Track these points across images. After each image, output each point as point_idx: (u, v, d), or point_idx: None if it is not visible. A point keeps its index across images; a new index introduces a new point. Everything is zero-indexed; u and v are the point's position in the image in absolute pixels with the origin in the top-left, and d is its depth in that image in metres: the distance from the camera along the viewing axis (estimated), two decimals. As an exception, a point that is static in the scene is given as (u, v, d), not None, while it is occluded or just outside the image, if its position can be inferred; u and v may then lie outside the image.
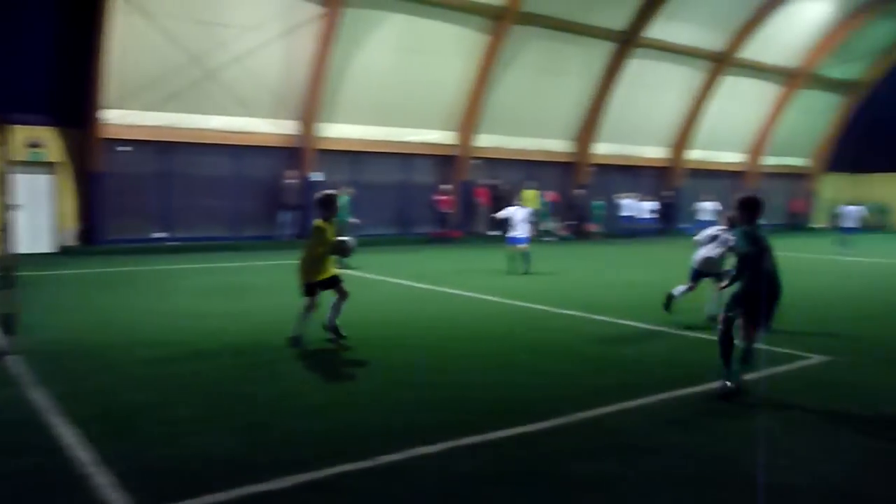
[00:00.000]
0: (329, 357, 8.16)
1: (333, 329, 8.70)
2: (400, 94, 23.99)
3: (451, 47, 24.30)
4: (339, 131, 23.49)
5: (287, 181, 22.39)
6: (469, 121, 25.44)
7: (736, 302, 6.67)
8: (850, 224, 23.81)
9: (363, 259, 18.83)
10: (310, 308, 8.52)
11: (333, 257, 9.01)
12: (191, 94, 20.78)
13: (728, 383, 6.64)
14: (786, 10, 30.58)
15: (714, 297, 10.04)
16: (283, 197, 22.47)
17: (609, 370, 7.70)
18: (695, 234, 11.12)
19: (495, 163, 27.40)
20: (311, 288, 8.61)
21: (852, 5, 32.43)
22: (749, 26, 30.46)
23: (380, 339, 9.05)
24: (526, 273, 15.82)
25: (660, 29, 27.85)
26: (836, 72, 36.11)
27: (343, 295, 8.75)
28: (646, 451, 5.29)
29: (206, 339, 8.88)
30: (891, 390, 7.03)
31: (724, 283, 7.09)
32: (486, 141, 26.51)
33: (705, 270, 10.37)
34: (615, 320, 10.47)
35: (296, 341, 8.41)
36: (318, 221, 8.67)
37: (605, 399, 6.44)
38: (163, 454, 5.09)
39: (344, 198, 17.33)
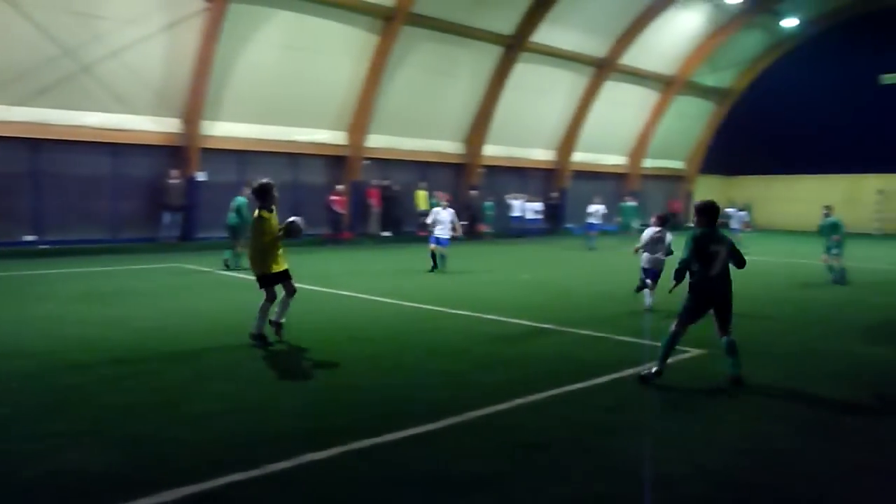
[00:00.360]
0: (216, 363, 7.88)
1: (276, 325, 8.70)
2: (288, 93, 23.50)
3: (340, 46, 24.03)
4: (224, 130, 22.76)
5: (170, 181, 21.49)
6: (359, 121, 25.25)
7: (688, 313, 7.36)
8: (734, 226, 25.06)
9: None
10: (269, 301, 8.68)
11: (283, 249, 8.99)
12: (64, 88, 19.57)
13: (654, 370, 7.22)
14: (662, 20, 32.05)
15: (649, 293, 11.47)
16: (166, 197, 21.55)
17: (499, 368, 7.81)
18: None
19: (387, 163, 27.34)
20: (266, 280, 8.72)
21: (722, 17, 34.38)
22: (629, 34, 31.74)
23: (276, 345, 8.82)
24: (442, 272, 16.41)
25: (545, 34, 28.58)
26: (709, 79, 38.22)
27: (291, 291, 8.82)
28: (536, 447, 5.40)
29: (83, 348, 8.38)
30: (762, 380, 7.47)
31: (672, 286, 7.71)
32: (377, 141, 26.40)
33: (655, 269, 11.51)
34: (505, 319, 10.65)
35: (259, 338, 8.48)
36: (258, 211, 8.76)
37: (496, 397, 6.53)
38: (34, 472, 4.76)
39: (242, 199, 17.15)
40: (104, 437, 5.46)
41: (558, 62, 30.58)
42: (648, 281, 11.50)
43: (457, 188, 29.65)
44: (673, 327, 7.37)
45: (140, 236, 21.57)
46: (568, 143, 33.26)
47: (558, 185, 33.31)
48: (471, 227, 28.90)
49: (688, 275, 7.31)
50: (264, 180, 9.21)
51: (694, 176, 41.56)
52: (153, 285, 13.89)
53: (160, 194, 21.60)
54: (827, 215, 16.45)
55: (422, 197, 27.29)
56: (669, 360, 7.44)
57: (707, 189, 42.11)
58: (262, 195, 8.86)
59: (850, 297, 13.97)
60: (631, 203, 29.79)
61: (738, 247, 7.48)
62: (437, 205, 17.61)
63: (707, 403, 6.69)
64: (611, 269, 18.43)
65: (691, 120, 39.72)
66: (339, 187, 24.65)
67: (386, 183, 26.69)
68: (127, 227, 21.56)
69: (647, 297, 11.50)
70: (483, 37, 27.17)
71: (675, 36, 34.00)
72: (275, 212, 8.93)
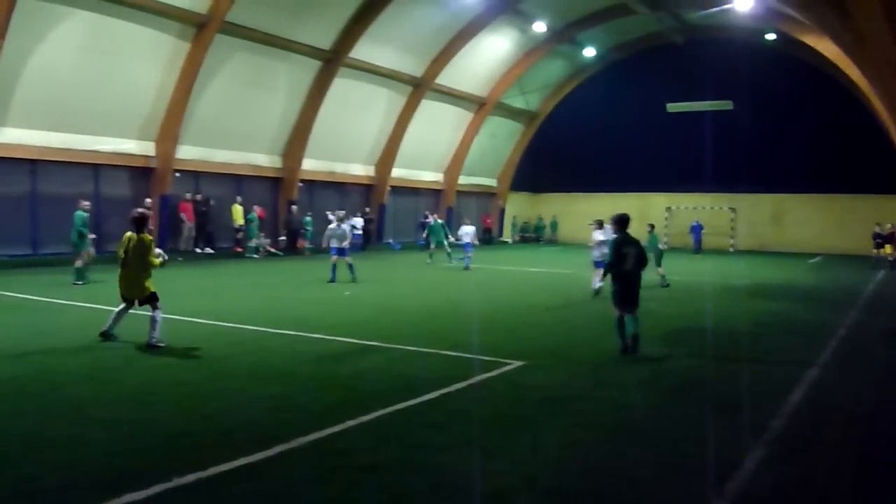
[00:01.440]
0: (6, 398, 7.05)
1: (152, 344, 9.44)
2: (88, 99, 21.72)
3: (147, 52, 22.61)
4: (12, 136, 20.61)
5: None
6: (169, 131, 23.86)
7: (616, 297, 9.99)
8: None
9: (44, 280, 16.77)
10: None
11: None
12: None
13: (623, 341, 9.84)
14: (475, 43, 33.32)
15: (597, 278, 14.40)
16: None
17: (328, 389, 7.67)
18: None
19: (199, 176, 26.10)
20: (143, 301, 9.74)
21: (529, 43, 36.36)
22: (443, 55, 32.68)
23: (74, 374, 8.07)
24: (354, 281, 17.57)
25: (364, 50, 28.71)
26: (518, 101, 40.28)
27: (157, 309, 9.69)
28: (369, 469, 5.34)
29: None
30: (577, 389, 7.91)
31: (602, 275, 10.68)
32: (189, 153, 25.10)
33: (601, 261, 14.05)
34: (330, 337, 10.50)
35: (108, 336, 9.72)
36: (141, 237, 9.65)
37: (327, 420, 6.39)
38: None
39: (81, 213, 17.33)
40: None
41: (377, 79, 30.84)
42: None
43: (274, 202, 28.95)
44: (615, 313, 9.99)
45: None
46: (386, 158, 33.58)
47: (377, 201, 33.51)
48: (290, 243, 28.32)
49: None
50: (142, 210, 10.21)
51: (505, 192, 43.51)
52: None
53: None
54: (650, 232, 19.23)
55: (238, 211, 26.34)
56: (493, 373, 7.67)
57: (516, 205, 44.37)
58: (145, 222, 9.81)
59: (644, 307, 15.17)
60: (438, 221, 29.30)
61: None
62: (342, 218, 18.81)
63: (530, 414, 6.96)
64: (431, 284, 18.77)
65: (502, 139, 41.62)
66: (148, 201, 23.10)
67: (199, 197, 25.45)
68: None
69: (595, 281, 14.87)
70: (301, 50, 26.79)
71: (487, 59, 35.48)
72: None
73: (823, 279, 23.12)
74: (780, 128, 36.33)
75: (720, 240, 38.68)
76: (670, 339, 11.33)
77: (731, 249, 38.29)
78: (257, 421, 6.44)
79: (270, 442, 5.77)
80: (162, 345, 9.44)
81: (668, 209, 40.73)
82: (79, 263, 16.94)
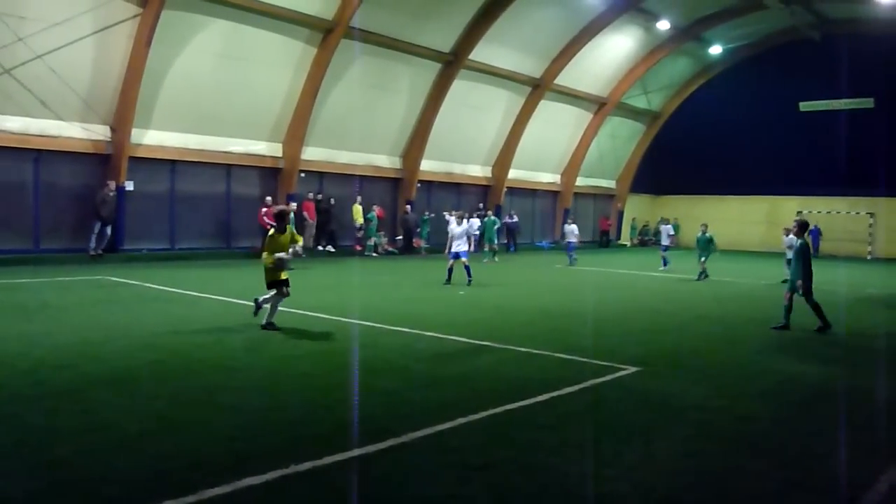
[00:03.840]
0: (141, 381, 7.58)
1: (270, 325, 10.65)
2: (222, 103, 23.05)
3: (277, 57, 23.72)
4: (155, 138, 22.14)
5: (104, 192, 20.63)
6: (295, 133, 24.92)
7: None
8: (665, 242, 25.28)
9: (182, 274, 17.87)
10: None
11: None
12: (-17, 91, 18.75)
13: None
14: (595, 43, 32.78)
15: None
16: (98, 208, 20.63)
17: (440, 387, 7.76)
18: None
19: (323, 176, 27.08)
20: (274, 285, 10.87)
21: (653, 42, 35.45)
22: (563, 56, 32.36)
23: (206, 362, 8.57)
24: (469, 284, 17.26)
25: (483, 52, 28.89)
26: (640, 101, 39.30)
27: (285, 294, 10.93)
28: (479, 467, 5.37)
29: (0, 366, 7.96)
30: (694, 397, 7.64)
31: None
32: (314, 154, 26.12)
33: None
34: (444, 336, 10.62)
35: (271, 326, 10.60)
36: (273, 231, 10.96)
37: (439, 417, 6.48)
38: (-52, 501, 4.47)
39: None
40: (27, 462, 5.18)
41: (496, 80, 30.94)
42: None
43: (393, 202, 29.60)
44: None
45: (65, 247, 20.73)
46: (504, 159, 33.62)
47: (494, 201, 33.60)
48: (406, 242, 28.88)
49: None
50: (282, 207, 12.03)
51: (624, 194, 42.56)
52: (77, 299, 13.36)
53: (86, 203, 20.78)
54: (703, 232, 21.10)
55: (358, 211, 27.11)
56: (607, 377, 7.53)
57: (636, 207, 43.28)
58: (280, 219, 11.06)
59: (771, 315, 14.45)
60: (492, 217, 28.44)
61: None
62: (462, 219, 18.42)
63: (644, 421, 6.78)
64: (546, 286, 18.62)
65: (622, 140, 40.72)
66: (269, 199, 24.16)
67: (321, 196, 26.40)
68: (52, 237, 20.69)
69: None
70: (422, 53, 27.27)
71: (607, 59, 34.84)
72: (287, 231, 11.07)
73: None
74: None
75: (856, 246, 36.25)
76: (799, 350, 10.74)
77: (869, 257, 35.81)
78: (372, 414, 6.61)
79: (383, 435, 5.91)
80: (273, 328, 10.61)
81: (799, 213, 38.51)
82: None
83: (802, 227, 12.45)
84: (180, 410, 6.59)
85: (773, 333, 12.12)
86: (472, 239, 17.80)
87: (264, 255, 10.84)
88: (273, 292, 10.82)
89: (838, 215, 37.15)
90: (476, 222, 30.79)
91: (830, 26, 35.12)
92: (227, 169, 24.33)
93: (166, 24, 20.37)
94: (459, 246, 17.59)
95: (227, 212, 24.63)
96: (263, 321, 10.64)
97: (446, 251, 18.15)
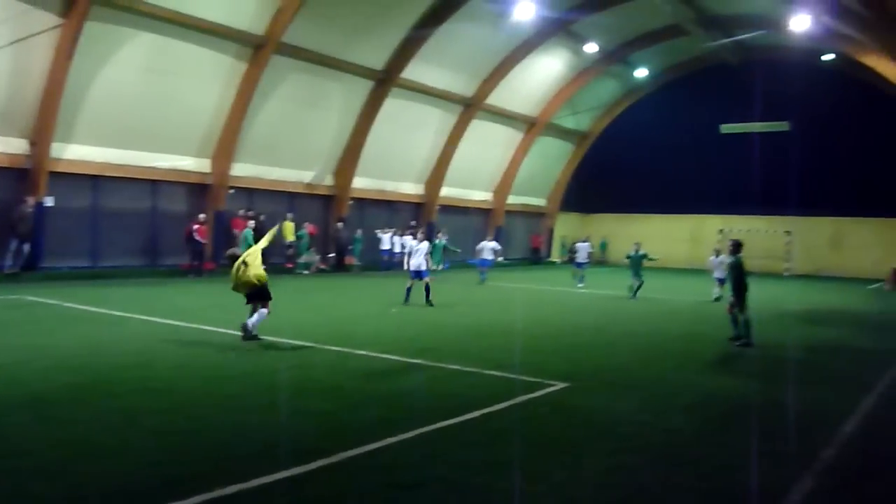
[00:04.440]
0: (62, 406, 7.29)
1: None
2: (148, 117, 22.49)
3: (206, 72, 23.32)
4: (76, 153, 21.43)
5: (21, 207, 19.79)
6: (225, 149, 24.51)
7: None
8: (582, 259, 25.78)
9: (105, 293, 17.29)
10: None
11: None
12: None
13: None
14: (526, 64, 33.41)
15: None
16: (14, 224, 19.77)
17: (371, 405, 7.73)
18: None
19: (253, 193, 26.68)
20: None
21: (580, 64, 36.33)
22: (494, 76, 32.86)
23: (128, 384, 8.30)
24: (428, 304, 16.88)
25: (416, 71, 29.08)
26: (569, 122, 40.18)
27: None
28: (409, 486, 5.37)
29: None
30: (620, 412, 7.82)
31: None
32: (243, 170, 25.74)
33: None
34: (375, 354, 10.58)
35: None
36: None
37: (369, 436, 6.45)
38: None
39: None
40: (-67, 493, 4.92)
41: (428, 99, 31.16)
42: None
43: (325, 220, 29.39)
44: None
45: (-25, 265, 19.82)
46: (436, 177, 33.83)
47: (427, 219, 33.72)
48: (339, 260, 28.67)
49: None
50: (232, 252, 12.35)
51: (555, 212, 43.33)
52: (-9, 319, 12.77)
53: (2, 219, 19.90)
54: (637, 250, 21.66)
55: (289, 228, 26.79)
56: (537, 393, 7.63)
57: (566, 225, 44.11)
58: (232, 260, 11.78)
59: (694, 330, 14.93)
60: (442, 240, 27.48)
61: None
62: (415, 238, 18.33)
63: (572, 437, 6.90)
64: (478, 303, 18.75)
65: (552, 159, 41.52)
66: (202, 216, 23.72)
67: (252, 212, 25.98)
68: (-39, 254, 19.75)
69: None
70: (354, 70, 27.27)
71: (537, 79, 35.53)
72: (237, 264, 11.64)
73: (884, 306, 22.39)
74: (837, 149, 35.42)
75: (774, 263, 37.75)
76: (722, 364, 11.12)
77: (786, 274, 37.35)
78: (301, 435, 6.53)
79: (313, 456, 5.85)
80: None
81: (721, 231, 39.91)
82: None
83: (736, 246, 13.24)
84: (101, 435, 6.36)
85: (695, 347, 12.50)
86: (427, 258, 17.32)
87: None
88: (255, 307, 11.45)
89: (757, 233, 38.64)
90: (409, 239, 30.94)
91: (748, 52, 36.71)
92: (153, 185, 23.72)
93: (90, 37, 19.81)
94: (421, 265, 17.21)
95: (152, 228, 24.00)
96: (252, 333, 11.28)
97: (406, 268, 17.70)
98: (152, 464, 5.63)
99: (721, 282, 19.87)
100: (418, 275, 17.23)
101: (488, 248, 25.51)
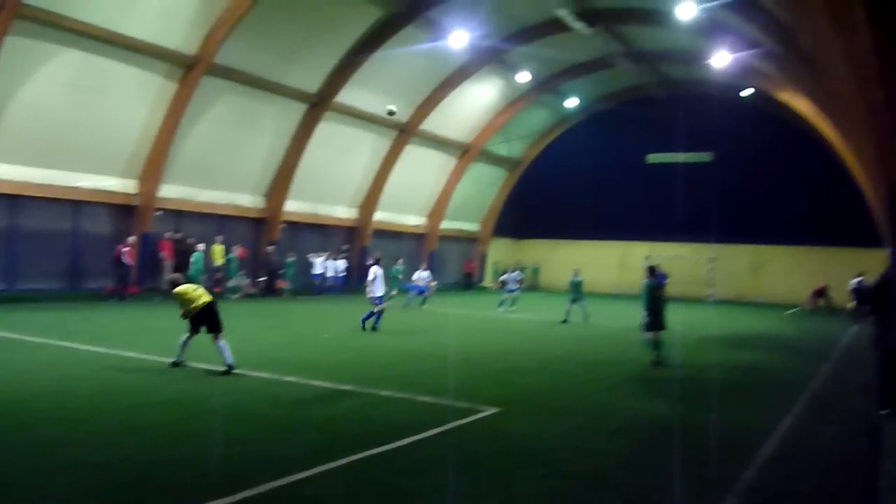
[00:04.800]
0: (-26, 437, 6.94)
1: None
2: (72, 136, 21.77)
3: (134, 91, 22.75)
4: (-6, 171, 20.59)
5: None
6: (153, 170, 23.90)
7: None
8: (512, 286, 26.11)
9: (22, 318, 16.55)
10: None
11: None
12: None
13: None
14: (460, 91, 33.83)
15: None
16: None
17: (300, 433, 7.61)
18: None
19: (182, 215, 26.06)
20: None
21: (513, 93, 36.99)
22: (429, 102, 33.14)
23: (43, 413, 7.95)
24: (374, 329, 17.16)
25: (350, 95, 29.07)
26: (502, 149, 40.77)
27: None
28: (339, 516, 5.28)
29: None
30: (550, 437, 7.90)
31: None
32: (172, 192, 25.14)
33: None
34: (305, 381, 10.42)
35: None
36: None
37: (297, 465, 6.34)
38: None
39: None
40: None
41: (362, 123, 31.16)
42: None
43: (256, 243, 28.93)
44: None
45: None
46: (370, 201, 33.76)
47: (360, 243, 33.56)
48: (269, 285, 28.20)
49: None
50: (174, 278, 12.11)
51: (487, 238, 43.73)
52: None
53: None
54: (576, 275, 22.33)
55: (218, 251, 26.26)
56: (469, 419, 7.64)
57: (498, 251, 44.56)
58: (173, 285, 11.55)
59: (623, 355, 15.23)
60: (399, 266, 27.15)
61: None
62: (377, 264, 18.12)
63: (502, 463, 6.93)
64: (410, 328, 18.71)
65: (485, 185, 41.99)
66: (131, 238, 23.03)
67: (180, 235, 25.40)
68: None
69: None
70: (288, 93, 27.08)
71: (471, 107, 36.00)
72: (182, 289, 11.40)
73: (800, 330, 23.33)
74: (757, 180, 36.98)
75: (699, 289, 38.97)
76: (648, 388, 11.36)
77: (710, 299, 38.56)
78: (228, 464, 6.36)
79: (239, 486, 5.71)
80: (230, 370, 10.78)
81: (648, 258, 40.97)
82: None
83: (650, 270, 14.45)
84: (9, 470, 6.06)
85: (624, 371, 12.76)
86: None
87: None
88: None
89: (682, 260, 39.83)
90: (342, 263, 30.76)
91: (674, 86, 38.11)
92: (76, 205, 22.91)
93: (12, 52, 19.11)
94: (378, 291, 17.36)
95: (74, 251, 23.16)
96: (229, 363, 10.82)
97: (370, 296, 17.56)
98: (62, 501, 5.39)
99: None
100: (378, 300, 17.37)
101: (423, 277, 25.87)
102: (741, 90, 33.95)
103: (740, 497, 6.13)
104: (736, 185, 36.30)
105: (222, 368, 10.75)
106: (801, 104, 25.94)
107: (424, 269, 26.89)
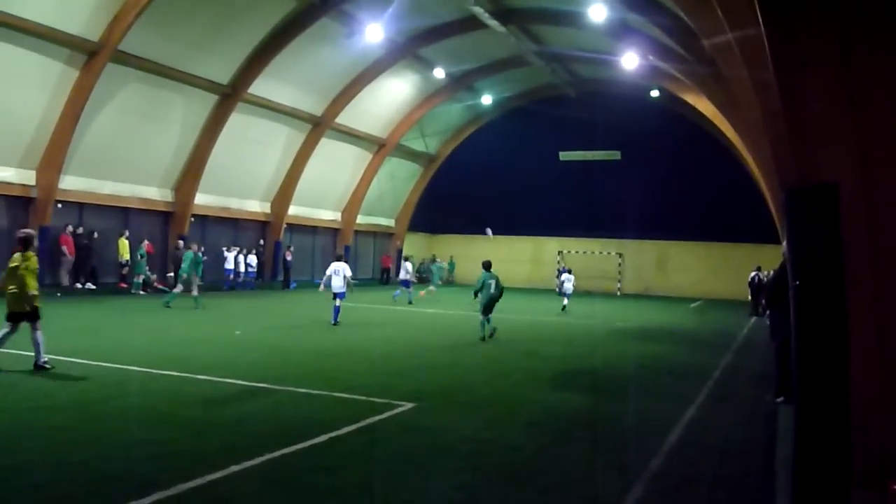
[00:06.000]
0: None
1: (41, 365, 10.09)
2: (-37, 123, 20.52)
3: (31, 78, 21.54)
4: None
5: None
6: (52, 160, 22.72)
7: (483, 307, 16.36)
8: (403, 276, 26.56)
9: None
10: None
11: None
12: None
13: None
14: (375, 86, 33.61)
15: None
16: None
17: (211, 433, 7.43)
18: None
19: (84, 207, 24.94)
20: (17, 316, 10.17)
21: (429, 88, 37.08)
22: (344, 95, 32.78)
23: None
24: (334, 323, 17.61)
25: (263, 87, 28.44)
26: (417, 144, 40.83)
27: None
28: (253, 516, 5.20)
29: None
30: (465, 431, 8.00)
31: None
32: (73, 184, 24.01)
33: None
34: (217, 379, 10.18)
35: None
36: (30, 254, 10.26)
37: (209, 465, 6.19)
38: None
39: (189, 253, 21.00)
40: None
41: (276, 116, 30.58)
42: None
43: (164, 237, 28.00)
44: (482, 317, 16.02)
45: None
46: (284, 196, 33.19)
47: (273, 238, 32.97)
48: (177, 279, 27.31)
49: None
50: (27, 231, 10.96)
51: (402, 233, 43.74)
52: None
53: None
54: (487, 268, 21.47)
55: (124, 246, 25.29)
56: (384, 415, 7.65)
57: (414, 245, 44.65)
58: (29, 242, 10.45)
59: (535, 348, 15.56)
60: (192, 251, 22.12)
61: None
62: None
63: (419, 457, 6.97)
64: (323, 324, 18.52)
65: (401, 180, 41.97)
66: (70, 228, 21.89)
67: (81, 230, 24.30)
68: None
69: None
70: (198, 83, 26.26)
71: (387, 101, 35.86)
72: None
73: (702, 323, 24.38)
74: (663, 178, 38.35)
75: (608, 283, 40.21)
76: (560, 381, 11.64)
77: (618, 293, 39.81)
78: (135, 467, 6.16)
79: (148, 489, 5.53)
80: (49, 367, 10.09)
81: (560, 253, 42.04)
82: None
83: (485, 265, 16.67)
84: None
85: (535, 365, 13.04)
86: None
87: (29, 281, 10.08)
88: (8, 328, 10.20)
89: (593, 255, 40.97)
90: (254, 259, 30.16)
91: (584, 84, 39.04)
92: (-33, 197, 21.61)
93: None
94: (342, 287, 17.94)
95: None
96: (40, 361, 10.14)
97: (323, 288, 18.39)
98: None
99: (566, 296, 25.37)
100: (338, 296, 18.00)
101: (409, 271, 26.68)
102: (650, 90, 35.13)
103: (648, 484, 6.37)
104: (644, 183, 37.55)
105: (120, 366, 10.37)
106: (704, 106, 27.02)
107: (409, 262, 27.26)
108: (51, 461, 6.30)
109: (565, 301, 25.61)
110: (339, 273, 17.98)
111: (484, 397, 10.00)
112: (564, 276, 27.17)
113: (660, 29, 21.51)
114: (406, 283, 26.38)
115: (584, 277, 39.57)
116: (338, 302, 18.05)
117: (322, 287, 18.64)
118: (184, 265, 21.32)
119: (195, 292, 20.62)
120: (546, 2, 27.42)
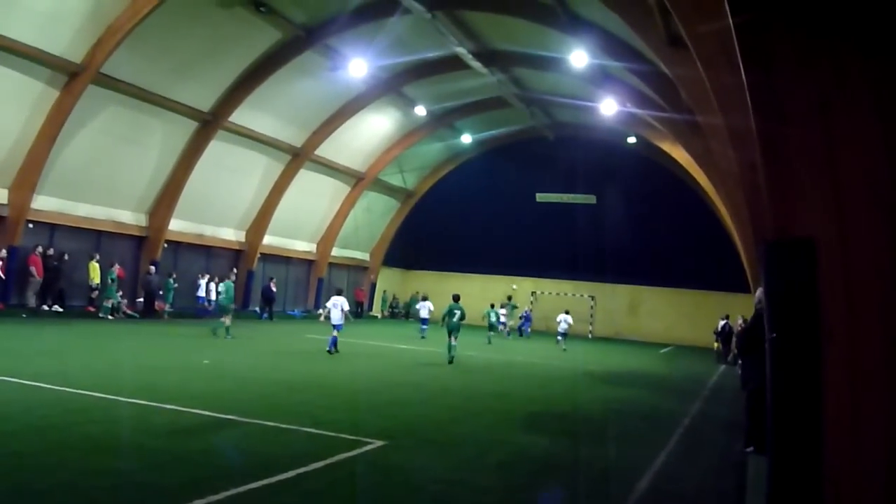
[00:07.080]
0: None
1: None
2: (-64, 138, 20.22)
3: (9, 95, 21.35)
4: None
5: None
6: (26, 179, 22.41)
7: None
8: (424, 315, 27.27)
9: None
10: None
11: None
12: None
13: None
14: (356, 120, 33.75)
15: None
16: None
17: (178, 465, 7.26)
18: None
19: (56, 228, 24.58)
20: None
21: (409, 125, 37.36)
22: (324, 128, 32.87)
23: None
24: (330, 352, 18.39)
25: (244, 116, 28.43)
26: (395, 179, 40.99)
27: None
28: (216, 553, 5.07)
29: None
30: (435, 471, 7.91)
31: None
32: (46, 204, 23.68)
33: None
34: (184, 409, 9.98)
35: None
36: None
37: (173, 499, 6.05)
38: None
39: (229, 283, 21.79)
40: None
41: (255, 145, 30.55)
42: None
43: (136, 262, 27.64)
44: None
45: None
46: (259, 225, 33.02)
47: (246, 267, 32.70)
48: (149, 306, 26.94)
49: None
50: None
51: (377, 267, 43.63)
52: None
53: None
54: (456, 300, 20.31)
55: (94, 269, 24.90)
56: (353, 452, 7.54)
57: (388, 280, 44.56)
58: None
59: (507, 388, 15.51)
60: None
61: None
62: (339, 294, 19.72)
63: (387, 497, 6.87)
64: (295, 357, 18.33)
65: (377, 215, 42.02)
66: (3, 251, 21.49)
67: (51, 251, 23.91)
68: None
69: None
70: (179, 109, 26.19)
71: (367, 136, 36.04)
72: None
73: (672, 368, 24.51)
74: (637, 224, 38.81)
75: (580, 326, 40.24)
76: (531, 422, 11.59)
77: (590, 336, 39.92)
78: (95, 499, 5.99)
79: (108, 522, 5.37)
80: None
81: (533, 293, 42.18)
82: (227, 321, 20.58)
83: (455, 297, 19.51)
84: None
85: (507, 406, 12.97)
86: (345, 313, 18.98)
87: None
88: None
89: (565, 297, 41.11)
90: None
91: (563, 128, 39.60)
92: (-66, 213, 21.21)
93: None
94: (340, 319, 18.69)
95: (-72, 262, 21.34)
96: None
97: (325, 319, 19.18)
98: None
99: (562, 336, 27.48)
100: (337, 327, 18.69)
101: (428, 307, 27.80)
102: (627, 136, 35.72)
103: (617, 531, 6.32)
104: (617, 227, 37.95)
105: (83, 392, 10.14)
106: (679, 154, 27.52)
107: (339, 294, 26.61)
108: (6, 491, 6.10)
109: (562, 343, 27.28)
110: (337, 306, 18.76)
111: (455, 437, 9.91)
112: (561, 316, 27.69)
113: (638, 77, 21.95)
114: (425, 322, 27.32)
115: (555, 319, 39.64)
116: (335, 333, 18.69)
117: (322, 318, 19.55)
118: (227, 293, 21.34)
119: (228, 321, 20.62)
120: (529, 46, 27.88)
